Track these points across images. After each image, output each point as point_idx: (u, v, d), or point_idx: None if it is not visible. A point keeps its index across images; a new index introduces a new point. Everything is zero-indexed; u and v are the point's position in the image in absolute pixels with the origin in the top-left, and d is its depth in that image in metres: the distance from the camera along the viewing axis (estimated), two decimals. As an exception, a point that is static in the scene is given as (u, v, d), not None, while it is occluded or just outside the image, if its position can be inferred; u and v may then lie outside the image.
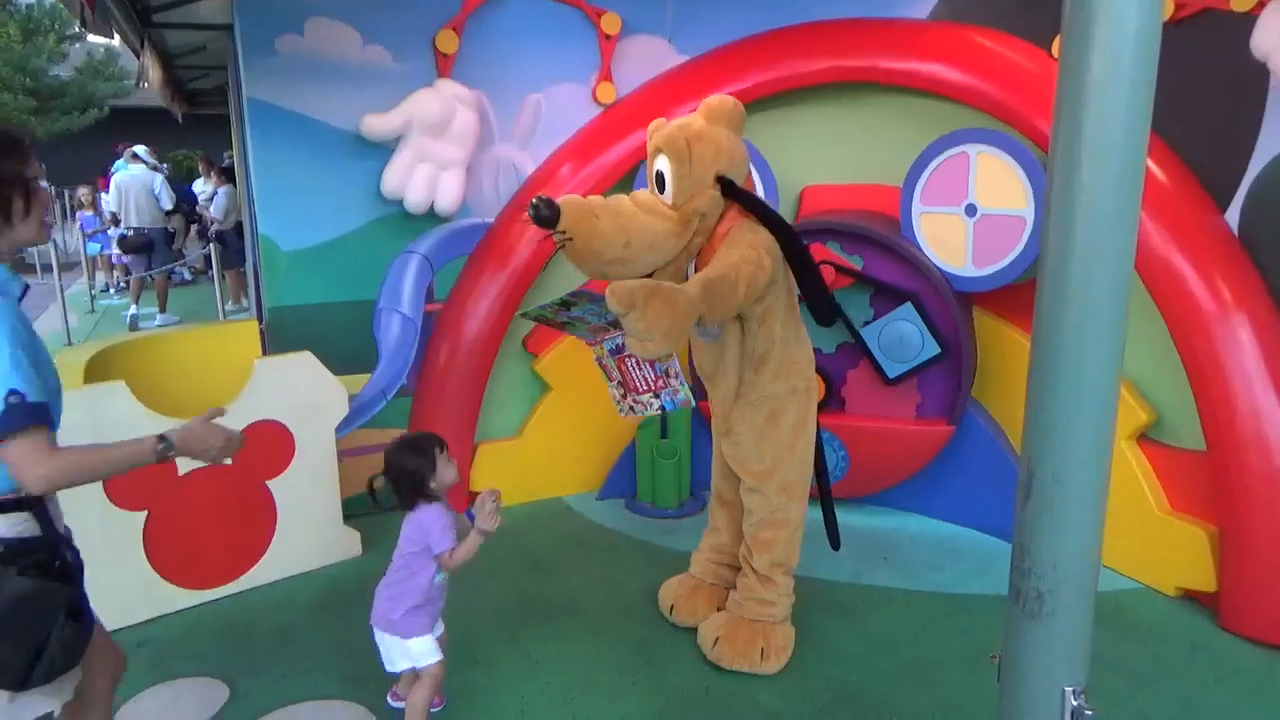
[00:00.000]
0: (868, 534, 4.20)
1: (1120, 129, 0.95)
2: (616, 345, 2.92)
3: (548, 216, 2.69)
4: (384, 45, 4.13)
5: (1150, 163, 1.15)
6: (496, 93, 4.35)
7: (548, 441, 4.61)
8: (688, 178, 2.85)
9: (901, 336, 4.04)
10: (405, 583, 2.63)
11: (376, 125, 4.06)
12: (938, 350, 4.00)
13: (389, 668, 2.71)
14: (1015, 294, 3.85)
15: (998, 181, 3.71)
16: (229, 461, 2.06)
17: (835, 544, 3.31)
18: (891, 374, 4.11)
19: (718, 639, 3.15)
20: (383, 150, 4.13)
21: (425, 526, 2.58)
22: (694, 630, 3.29)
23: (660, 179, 2.90)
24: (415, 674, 2.79)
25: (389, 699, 2.91)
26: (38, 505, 1.91)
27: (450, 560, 2.58)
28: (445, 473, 2.62)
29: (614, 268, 2.81)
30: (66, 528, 2.03)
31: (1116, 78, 0.95)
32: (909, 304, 3.99)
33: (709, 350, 3.12)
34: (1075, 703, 1.08)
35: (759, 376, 3.05)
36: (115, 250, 11.13)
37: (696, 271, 2.91)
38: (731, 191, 2.91)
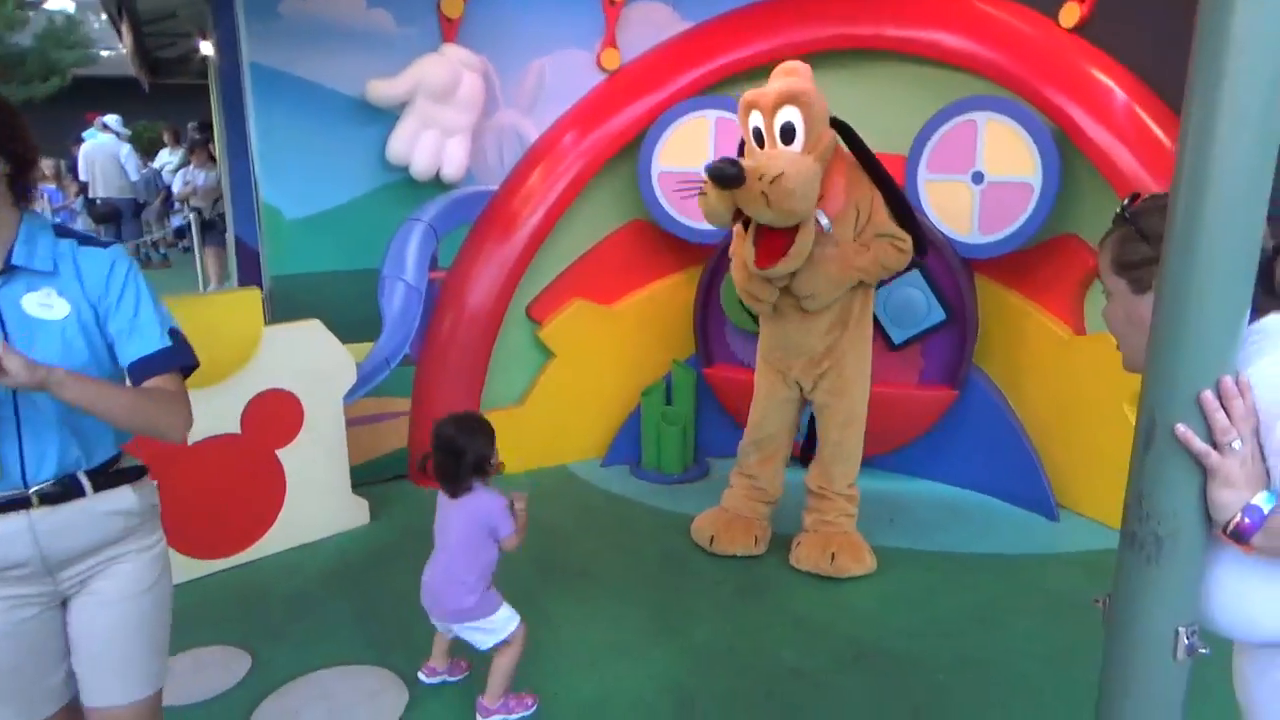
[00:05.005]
0: (873, 496, 4.24)
1: (1262, 84, 0.98)
2: None
3: (734, 175, 2.89)
4: (388, 9, 4.05)
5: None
6: (501, 58, 4.30)
7: (551, 409, 4.61)
8: (816, 123, 3.13)
9: (908, 302, 4.09)
10: (474, 569, 2.61)
11: (382, 91, 3.99)
12: (943, 316, 4.05)
13: (482, 648, 2.68)
14: (1017, 260, 3.91)
15: (1005, 149, 3.75)
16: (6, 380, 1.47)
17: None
18: (897, 340, 4.17)
19: (834, 554, 3.47)
20: (387, 116, 4.06)
21: (489, 508, 2.58)
22: (705, 590, 3.43)
23: (789, 130, 3.11)
24: (450, 642, 2.81)
25: (423, 675, 2.86)
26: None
27: (509, 544, 2.60)
28: (497, 455, 2.63)
29: (807, 207, 3.06)
30: None
31: (1260, 34, 0.97)
32: (916, 270, 4.03)
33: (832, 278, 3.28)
34: (1188, 640, 1.13)
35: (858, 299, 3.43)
36: (80, 224, 10.85)
37: (824, 212, 3.20)
38: (845, 133, 3.27)
